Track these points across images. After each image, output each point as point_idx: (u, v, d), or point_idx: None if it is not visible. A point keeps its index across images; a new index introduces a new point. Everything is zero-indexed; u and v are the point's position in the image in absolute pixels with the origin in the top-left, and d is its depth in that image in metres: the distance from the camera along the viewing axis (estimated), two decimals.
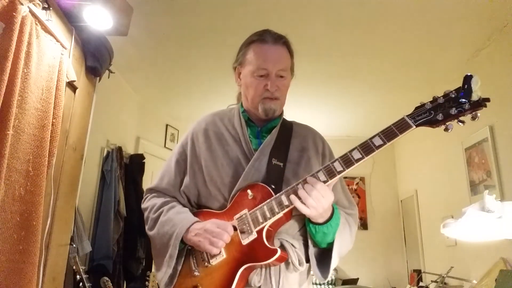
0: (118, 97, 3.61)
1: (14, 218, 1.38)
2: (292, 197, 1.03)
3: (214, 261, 1.09)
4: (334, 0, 2.48)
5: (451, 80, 3.33)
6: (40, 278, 1.56)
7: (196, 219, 1.14)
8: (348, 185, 4.98)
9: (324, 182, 1.03)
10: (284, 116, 1.31)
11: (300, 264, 1.10)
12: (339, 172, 1.03)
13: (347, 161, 1.02)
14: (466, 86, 0.95)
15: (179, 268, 1.13)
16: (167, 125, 4.60)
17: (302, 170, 1.18)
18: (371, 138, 1.01)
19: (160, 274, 1.13)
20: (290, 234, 1.14)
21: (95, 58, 1.98)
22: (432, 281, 3.15)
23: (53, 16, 1.64)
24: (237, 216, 1.10)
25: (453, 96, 0.97)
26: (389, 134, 0.99)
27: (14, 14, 1.32)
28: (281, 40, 1.21)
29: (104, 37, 2.02)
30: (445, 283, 2.99)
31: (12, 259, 1.36)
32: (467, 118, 0.96)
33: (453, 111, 0.95)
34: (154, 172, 3.84)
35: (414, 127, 0.98)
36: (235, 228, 1.08)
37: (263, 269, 1.09)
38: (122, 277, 3.19)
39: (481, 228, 1.52)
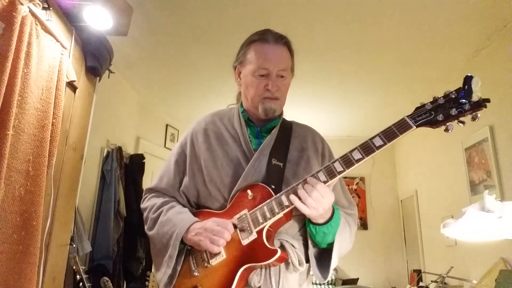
0: (118, 97, 3.61)
1: (14, 218, 1.38)
2: (292, 196, 1.03)
3: (214, 261, 1.09)
4: (334, 0, 2.48)
5: (451, 80, 3.33)
6: (40, 278, 1.56)
7: (196, 219, 1.14)
8: (348, 185, 5.03)
9: (324, 182, 1.03)
10: (283, 116, 1.31)
11: (300, 264, 1.10)
12: (340, 173, 1.03)
13: (347, 161, 1.02)
14: (466, 86, 0.95)
15: (179, 268, 1.12)
16: (167, 125, 4.60)
17: (302, 170, 1.18)
18: (371, 139, 1.01)
19: (160, 274, 1.13)
20: (290, 234, 1.14)
21: (95, 58, 1.98)
22: (432, 281, 3.15)
23: (53, 16, 1.64)
24: (237, 216, 1.09)
25: (453, 96, 0.96)
26: (390, 134, 0.99)
27: (14, 14, 1.32)
28: (282, 40, 1.21)
29: (104, 37, 2.02)
30: (445, 283, 2.99)
31: (12, 259, 1.36)
32: (467, 118, 0.96)
33: (453, 111, 0.95)
34: (154, 172, 3.84)
35: (415, 127, 0.98)
36: (235, 226, 1.08)
37: (263, 270, 1.08)
38: (122, 277, 3.19)
39: (481, 228, 1.52)
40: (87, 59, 1.97)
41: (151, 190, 1.30)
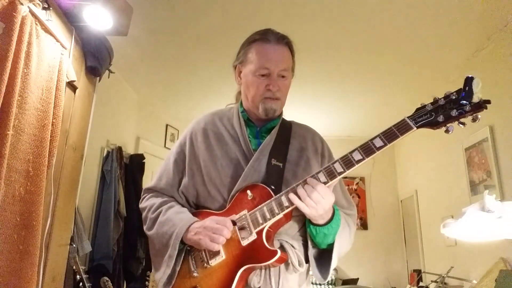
0: (118, 97, 3.61)
1: (14, 218, 1.38)
2: (292, 195, 1.03)
3: (213, 262, 1.09)
4: (335, 0, 2.48)
5: (452, 80, 3.33)
6: (40, 278, 1.56)
7: (195, 218, 1.13)
8: (348, 185, 5.03)
9: (325, 183, 1.03)
10: (283, 116, 1.31)
11: (300, 265, 1.10)
12: (340, 173, 1.02)
13: (347, 162, 1.02)
14: (467, 87, 0.94)
15: (178, 268, 1.12)
16: (167, 125, 4.60)
17: (302, 170, 1.18)
18: (371, 139, 1.01)
19: (159, 274, 1.12)
20: (289, 234, 1.14)
21: (95, 58, 1.98)
22: (432, 281, 3.15)
23: (53, 16, 1.64)
24: (237, 216, 1.09)
25: (454, 97, 0.96)
26: (390, 135, 0.99)
27: (14, 14, 1.32)
28: (283, 40, 1.20)
29: (104, 37, 2.02)
30: (445, 283, 2.99)
31: (12, 259, 1.36)
32: (467, 120, 0.96)
33: (454, 112, 0.95)
34: (154, 172, 3.84)
35: (415, 128, 0.98)
36: (234, 224, 1.08)
37: (263, 270, 1.08)
38: (122, 277, 3.19)
39: (481, 228, 1.51)
40: (87, 59, 1.97)
41: (150, 190, 1.29)
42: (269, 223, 1.05)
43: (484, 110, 0.94)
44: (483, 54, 2.94)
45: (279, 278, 1.08)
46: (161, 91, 3.98)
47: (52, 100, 1.61)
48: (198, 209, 1.22)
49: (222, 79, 3.50)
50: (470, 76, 0.94)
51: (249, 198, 1.10)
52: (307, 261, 1.14)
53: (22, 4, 1.37)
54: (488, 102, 0.93)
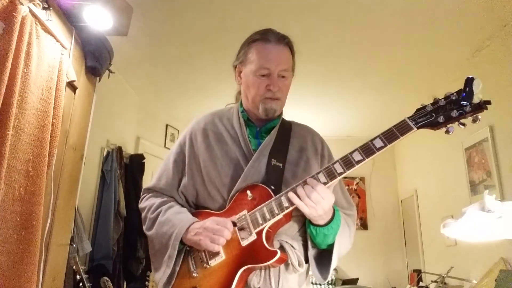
0: (118, 97, 3.61)
1: (14, 218, 1.38)
2: (291, 194, 1.03)
3: (213, 262, 1.08)
4: (335, 0, 2.48)
5: (452, 80, 3.33)
6: (40, 278, 1.56)
7: (195, 219, 1.13)
8: (348, 185, 5.03)
9: (325, 183, 1.02)
10: (283, 116, 1.31)
11: (299, 265, 1.10)
12: (340, 174, 1.02)
13: (347, 162, 1.02)
14: (467, 88, 0.94)
15: (177, 269, 1.12)
16: (167, 125, 4.60)
17: (301, 170, 1.18)
18: (372, 140, 1.01)
19: (159, 275, 1.12)
20: (289, 235, 1.14)
21: (95, 58, 1.98)
22: (432, 281, 3.15)
23: (53, 16, 1.64)
24: (237, 217, 1.09)
25: (454, 98, 0.96)
26: (390, 136, 0.99)
27: (14, 14, 1.32)
28: (284, 40, 1.20)
29: (104, 37, 2.02)
30: (445, 283, 2.99)
31: (12, 259, 1.36)
32: (468, 120, 0.96)
33: (454, 113, 0.95)
34: (154, 172, 3.82)
35: (415, 129, 0.98)
36: (234, 224, 1.08)
37: (263, 270, 1.08)
38: (122, 277, 3.19)
39: (481, 228, 1.52)
40: (87, 59, 1.97)
41: (149, 190, 1.29)
42: (269, 223, 1.05)
43: (484, 110, 0.94)
44: (483, 54, 2.94)
45: (279, 279, 1.08)
46: (161, 91, 3.98)
47: (52, 100, 1.61)
48: (197, 209, 1.22)
49: (222, 79, 3.50)
50: (470, 77, 0.94)
51: (249, 199, 1.09)
52: (307, 261, 1.14)
53: (22, 4, 1.37)
54: (489, 102, 0.92)
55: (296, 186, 1.05)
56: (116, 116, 3.57)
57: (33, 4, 1.46)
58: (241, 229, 1.07)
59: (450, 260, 3.25)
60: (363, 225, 4.92)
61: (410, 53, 3.07)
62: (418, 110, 1.00)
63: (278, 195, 1.06)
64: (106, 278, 2.39)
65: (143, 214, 1.24)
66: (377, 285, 4.56)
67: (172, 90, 3.94)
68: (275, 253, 1.02)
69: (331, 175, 1.03)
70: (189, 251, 1.14)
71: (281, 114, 1.29)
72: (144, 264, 3.39)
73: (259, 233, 1.05)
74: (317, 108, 4.26)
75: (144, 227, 1.23)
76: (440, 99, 0.98)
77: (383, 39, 2.89)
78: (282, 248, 1.10)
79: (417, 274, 3.88)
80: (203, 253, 1.11)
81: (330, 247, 1.11)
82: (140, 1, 2.44)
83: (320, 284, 4.06)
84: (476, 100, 0.93)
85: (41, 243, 1.53)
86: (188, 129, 1.29)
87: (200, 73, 3.50)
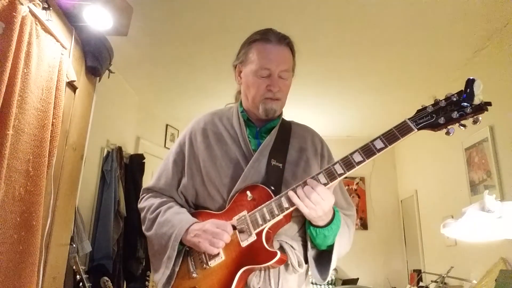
0: (118, 97, 3.61)
1: (14, 218, 1.38)
2: (291, 193, 1.03)
3: (212, 263, 1.08)
4: (335, 0, 2.48)
5: (452, 80, 3.33)
6: (40, 278, 1.56)
7: (195, 219, 1.13)
8: (348, 185, 5.03)
9: (325, 184, 1.02)
10: (283, 116, 1.30)
11: (299, 265, 1.10)
12: (340, 175, 1.02)
13: (348, 163, 1.01)
14: (468, 89, 0.94)
15: (177, 269, 1.12)
16: (167, 125, 4.60)
17: (301, 171, 1.17)
18: (372, 141, 1.00)
19: (158, 275, 1.12)
20: (289, 235, 1.14)
21: (95, 58, 1.98)
22: (432, 281, 3.15)
23: (53, 16, 1.64)
24: (236, 217, 1.09)
25: (455, 99, 0.96)
26: (391, 137, 0.99)
27: (14, 14, 1.32)
28: (285, 41, 1.20)
29: (104, 37, 2.02)
30: (445, 283, 2.99)
31: (12, 259, 1.36)
32: (468, 122, 0.96)
33: (455, 114, 0.94)
34: (154, 172, 3.81)
35: (416, 130, 0.98)
36: (234, 227, 1.07)
37: (262, 271, 1.08)
38: (122, 277, 3.19)
39: (481, 228, 1.52)
40: (87, 59, 1.97)
41: (149, 190, 1.28)
42: (269, 224, 1.05)
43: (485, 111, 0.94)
44: (483, 54, 2.94)
45: (278, 279, 1.07)
46: (161, 91, 3.98)
47: (52, 100, 1.61)
48: (197, 209, 1.22)
49: (222, 79, 3.49)
50: (471, 78, 0.94)
51: (249, 199, 1.09)
52: (306, 261, 1.13)
53: (22, 4, 1.37)
54: (489, 104, 0.92)
55: (296, 186, 1.04)
56: (116, 116, 3.57)
57: (33, 4, 1.46)
58: (241, 229, 1.07)
59: (450, 260, 3.25)
60: (363, 225, 4.92)
61: (410, 53, 3.07)
62: (418, 111, 1.00)
63: (278, 196, 1.06)
64: (106, 278, 2.39)
65: (142, 214, 1.24)
66: (377, 285, 4.56)
67: (172, 90, 3.94)
68: (275, 254, 1.02)
69: (331, 176, 1.03)
70: (188, 251, 1.14)
71: (281, 114, 1.29)
72: (144, 264, 3.39)
73: (259, 234, 1.05)
74: (317, 108, 4.26)
75: (143, 228, 1.22)
76: (441, 100, 0.98)
77: (383, 39, 2.89)
78: (281, 248, 1.10)
79: (417, 274, 3.88)
80: (202, 254, 1.10)
81: (330, 248, 1.11)
82: (140, 1, 2.44)
83: (320, 284, 4.06)
84: (477, 101, 0.93)
85: (41, 243, 1.53)
86: (188, 129, 1.28)
87: (200, 73, 3.49)
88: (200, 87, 3.77)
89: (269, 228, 1.06)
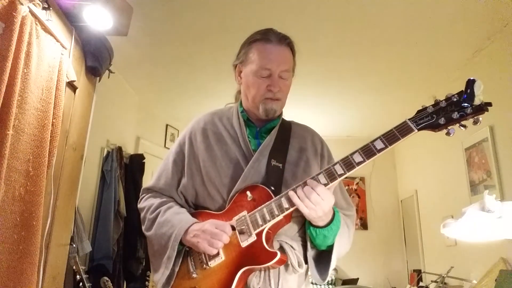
0: (118, 97, 3.61)
1: (14, 218, 1.38)
2: (291, 193, 1.02)
3: (212, 263, 1.08)
4: (335, 0, 2.48)
5: (452, 80, 3.33)
6: (40, 278, 1.56)
7: (194, 220, 1.13)
8: (348, 185, 5.03)
9: (325, 185, 1.02)
10: (283, 116, 1.30)
11: (299, 265, 1.09)
12: (340, 175, 1.02)
13: (348, 164, 1.01)
14: (468, 90, 0.94)
15: (177, 269, 1.12)
16: (167, 125, 4.60)
17: (301, 171, 1.17)
18: (372, 141, 1.00)
19: (158, 276, 1.12)
20: (289, 235, 1.14)
21: (95, 58, 1.98)
22: (432, 281, 3.15)
23: (53, 16, 1.64)
24: (236, 218, 1.09)
25: (455, 100, 0.95)
26: (391, 137, 0.99)
27: (14, 14, 1.32)
28: (285, 41, 1.20)
29: (104, 37, 2.02)
30: (445, 283, 2.99)
31: (12, 259, 1.36)
32: (468, 122, 0.95)
33: (455, 115, 0.94)
34: (154, 172, 3.82)
35: (416, 131, 0.97)
36: (233, 228, 1.07)
37: (262, 271, 1.08)
38: (122, 277, 3.19)
39: (481, 228, 1.52)
40: (87, 59, 1.97)
41: (148, 190, 1.28)
42: (269, 224, 1.05)
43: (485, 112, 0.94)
44: (483, 54, 2.94)
45: (278, 279, 1.07)
46: (161, 91, 3.98)
47: (52, 100, 1.61)
48: (197, 209, 1.22)
49: (222, 79, 3.49)
50: (472, 78, 0.94)
51: (249, 199, 1.09)
52: (306, 261, 1.13)
53: (22, 4, 1.37)
54: (490, 104, 0.92)
55: (296, 187, 1.04)
56: (116, 116, 3.57)
57: (33, 4, 1.46)
58: (241, 230, 1.07)
59: (450, 260, 3.25)
60: (363, 225, 4.92)
61: (410, 53, 3.07)
62: (419, 111, 1.00)
63: (278, 196, 1.06)
64: (106, 278, 2.39)
65: (142, 214, 1.24)
66: (377, 285, 4.56)
67: (172, 90, 3.94)
68: (275, 254, 1.02)
69: (331, 176, 1.02)
70: (188, 251, 1.14)
71: (281, 114, 1.28)
72: (144, 264, 3.39)
73: (259, 234, 1.05)
74: (317, 108, 4.26)
75: (143, 228, 1.22)
76: (441, 101, 0.98)
77: (383, 39, 2.89)
78: (281, 248, 1.09)
79: (417, 274, 3.88)
80: (202, 254, 1.10)
81: (330, 248, 1.11)
82: (140, 1, 2.44)
83: (319, 284, 4.06)
84: (477, 101, 0.93)
85: (41, 243, 1.53)
86: (188, 128, 1.28)
87: (200, 73, 3.49)
88: (200, 87, 3.77)
89: (269, 229, 1.06)
